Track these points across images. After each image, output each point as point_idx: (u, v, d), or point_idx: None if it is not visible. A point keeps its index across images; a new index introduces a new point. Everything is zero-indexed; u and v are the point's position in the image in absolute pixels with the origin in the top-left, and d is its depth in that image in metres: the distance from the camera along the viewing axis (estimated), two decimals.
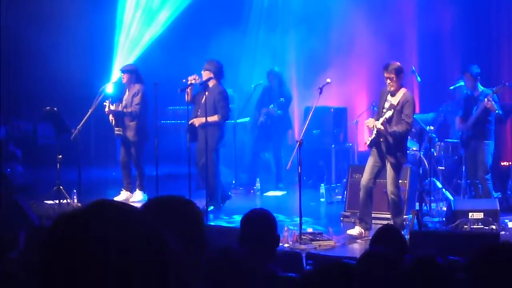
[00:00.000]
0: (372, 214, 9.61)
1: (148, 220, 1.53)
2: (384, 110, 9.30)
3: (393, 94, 9.29)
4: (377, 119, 9.36)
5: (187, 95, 10.78)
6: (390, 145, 9.17)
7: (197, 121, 10.71)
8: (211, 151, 10.65)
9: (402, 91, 9.28)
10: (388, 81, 9.23)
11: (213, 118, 10.72)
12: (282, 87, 13.14)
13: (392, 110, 9.17)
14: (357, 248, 8.83)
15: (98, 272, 1.43)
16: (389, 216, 9.53)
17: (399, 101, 9.21)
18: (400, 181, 10.07)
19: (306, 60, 14.74)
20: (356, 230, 9.38)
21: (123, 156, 11.78)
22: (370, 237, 9.04)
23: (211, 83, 10.71)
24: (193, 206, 2.59)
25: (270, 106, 12.92)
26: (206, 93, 10.54)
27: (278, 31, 14.89)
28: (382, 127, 9.10)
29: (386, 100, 9.35)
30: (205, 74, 10.73)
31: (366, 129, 9.75)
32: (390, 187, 9.28)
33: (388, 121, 9.17)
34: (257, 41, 15.30)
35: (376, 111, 9.94)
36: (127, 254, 1.44)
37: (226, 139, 11.58)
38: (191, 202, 2.65)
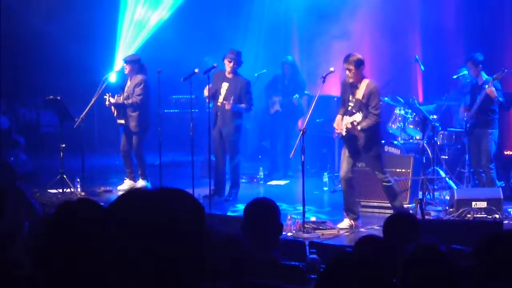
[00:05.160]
0: (375, 203, 9.57)
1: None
2: (351, 104, 9.15)
3: (355, 87, 9.15)
4: (343, 112, 9.22)
5: (207, 90, 10.71)
6: (363, 141, 9.11)
7: (228, 105, 10.66)
8: (235, 142, 10.89)
9: (364, 83, 9.12)
10: (347, 72, 9.13)
11: (241, 105, 10.83)
12: (297, 75, 13.14)
13: (360, 112, 9.01)
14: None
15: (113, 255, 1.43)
16: (388, 204, 9.53)
17: (363, 94, 9.06)
18: (403, 170, 10.09)
19: (309, 49, 14.69)
20: (345, 223, 9.34)
21: (124, 145, 11.71)
22: (361, 227, 9.12)
23: (230, 74, 10.81)
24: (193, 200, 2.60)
25: (295, 96, 12.86)
26: (227, 83, 10.74)
27: (281, 19, 14.83)
28: (350, 126, 9.05)
29: (350, 92, 9.24)
30: (231, 64, 10.78)
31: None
32: (378, 176, 9.32)
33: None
34: (260, 30, 15.27)
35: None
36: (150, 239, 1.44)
37: None
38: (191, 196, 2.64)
